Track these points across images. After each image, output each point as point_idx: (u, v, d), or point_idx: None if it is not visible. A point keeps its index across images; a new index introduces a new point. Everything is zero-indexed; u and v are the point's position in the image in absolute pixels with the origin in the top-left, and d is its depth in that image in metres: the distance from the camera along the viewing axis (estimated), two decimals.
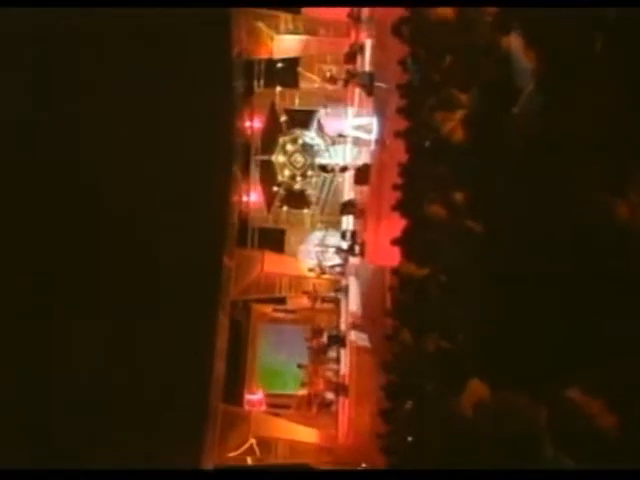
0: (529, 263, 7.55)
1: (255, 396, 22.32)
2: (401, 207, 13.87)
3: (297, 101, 22.65)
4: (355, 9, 19.26)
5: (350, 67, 19.35)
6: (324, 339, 20.59)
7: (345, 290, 19.79)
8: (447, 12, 10.15)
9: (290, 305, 22.86)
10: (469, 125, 8.86)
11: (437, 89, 10.55)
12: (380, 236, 17.60)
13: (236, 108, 23.22)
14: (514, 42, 7.58)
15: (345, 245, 19.64)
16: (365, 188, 18.18)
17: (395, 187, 14.55)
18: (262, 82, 23.05)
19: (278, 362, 22.32)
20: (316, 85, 22.09)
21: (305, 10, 21.65)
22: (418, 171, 12.65)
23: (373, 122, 17.84)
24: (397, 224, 13.60)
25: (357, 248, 18.36)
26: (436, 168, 10.41)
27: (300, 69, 22.31)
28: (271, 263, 23.19)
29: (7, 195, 20.15)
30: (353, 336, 18.87)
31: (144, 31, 20.21)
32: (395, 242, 13.82)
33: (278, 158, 22.90)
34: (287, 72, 22.63)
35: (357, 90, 19.14)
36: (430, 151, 10.90)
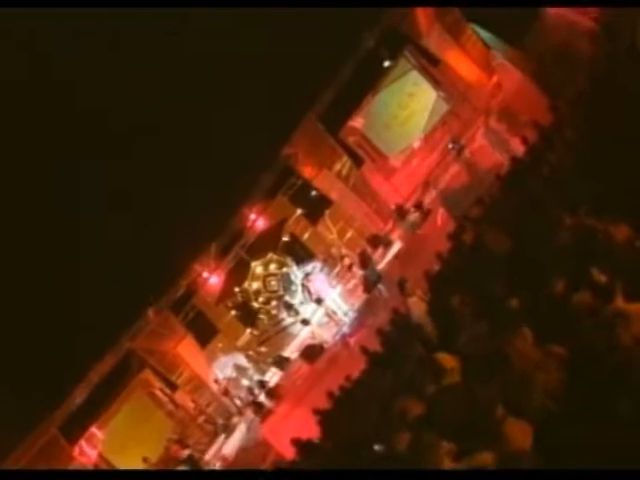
0: None
1: (90, 452, 21.50)
2: (321, 417, 13.52)
3: (306, 236, 22.42)
4: (405, 209, 19.23)
5: (367, 250, 19.20)
6: (184, 453, 19.93)
7: (230, 429, 19.31)
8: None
9: (177, 397, 22.15)
10: None
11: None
12: (288, 420, 17.15)
13: (252, 196, 22.91)
14: None
15: (257, 393, 19.19)
16: (305, 366, 17.84)
17: (330, 395, 14.23)
18: (289, 195, 22.76)
19: (131, 438, 21.54)
20: (329, 237, 21.92)
21: (365, 170, 21.59)
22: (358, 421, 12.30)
23: (352, 317, 17.69)
24: (309, 425, 13.25)
25: (262, 409, 17.90)
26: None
27: (327, 213, 22.13)
28: (186, 348, 22.64)
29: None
30: None
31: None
32: (295, 442, 13.40)
33: (257, 268, 22.52)
34: (314, 206, 22.40)
35: (357, 275, 18.95)
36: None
